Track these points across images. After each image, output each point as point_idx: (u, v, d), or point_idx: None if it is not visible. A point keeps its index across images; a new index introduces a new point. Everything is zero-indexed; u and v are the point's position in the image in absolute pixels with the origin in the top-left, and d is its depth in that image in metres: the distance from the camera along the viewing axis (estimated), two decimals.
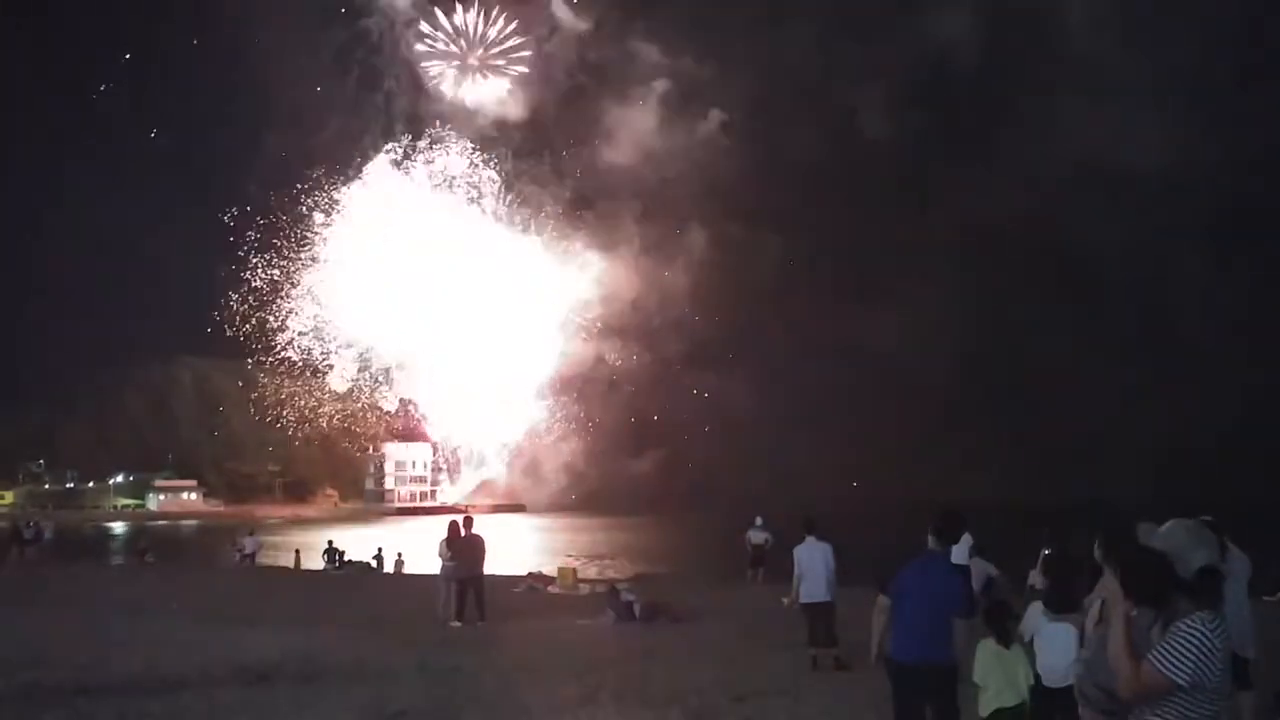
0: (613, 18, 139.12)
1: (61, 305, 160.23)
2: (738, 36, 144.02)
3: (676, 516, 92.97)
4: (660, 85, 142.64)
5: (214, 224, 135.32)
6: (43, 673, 12.44)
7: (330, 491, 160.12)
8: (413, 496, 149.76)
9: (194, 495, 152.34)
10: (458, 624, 17.92)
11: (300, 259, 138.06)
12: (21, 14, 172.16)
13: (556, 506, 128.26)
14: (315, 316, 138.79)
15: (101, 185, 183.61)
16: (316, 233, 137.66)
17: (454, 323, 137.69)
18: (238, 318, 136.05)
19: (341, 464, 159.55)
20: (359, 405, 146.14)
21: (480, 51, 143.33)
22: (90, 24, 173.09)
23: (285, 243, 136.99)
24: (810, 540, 13.86)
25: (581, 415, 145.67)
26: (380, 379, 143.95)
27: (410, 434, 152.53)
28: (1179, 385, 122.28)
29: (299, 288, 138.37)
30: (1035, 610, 7.73)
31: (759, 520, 27.85)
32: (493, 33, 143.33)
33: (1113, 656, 4.57)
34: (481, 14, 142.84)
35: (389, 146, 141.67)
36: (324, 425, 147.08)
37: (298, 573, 35.90)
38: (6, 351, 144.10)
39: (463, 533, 18.62)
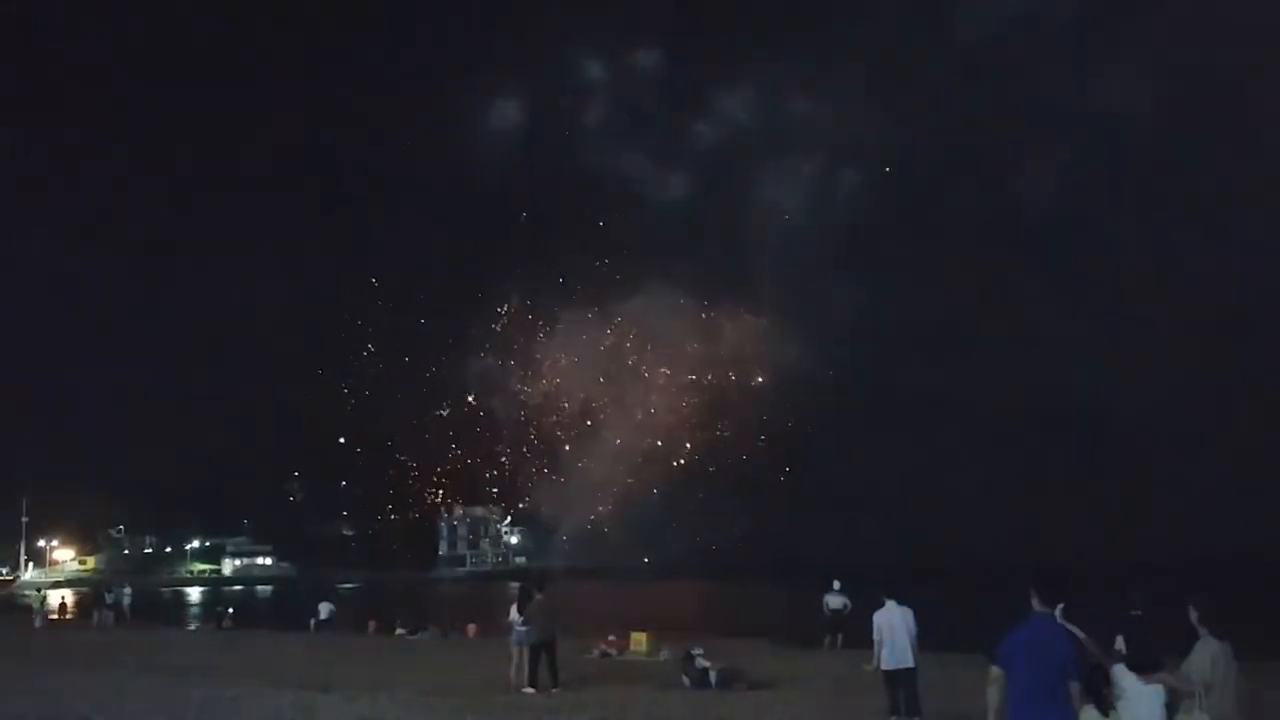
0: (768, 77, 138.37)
1: (140, 373, 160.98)
2: (893, 91, 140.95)
3: (764, 580, 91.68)
4: (808, 145, 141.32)
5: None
6: None
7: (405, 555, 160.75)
8: (488, 560, 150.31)
9: (268, 560, 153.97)
10: (531, 690, 17.69)
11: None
12: None
13: (650, 571, 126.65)
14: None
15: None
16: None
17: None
18: None
19: (415, 527, 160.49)
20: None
21: None
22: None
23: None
24: (890, 605, 13.56)
25: (685, 474, 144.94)
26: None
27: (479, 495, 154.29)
28: None
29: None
30: (1120, 672, 7.52)
31: (836, 585, 27.38)
32: None
33: None
34: None
35: None
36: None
37: (369, 638, 35.92)
38: (83, 418, 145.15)
39: (535, 596, 18.47)
